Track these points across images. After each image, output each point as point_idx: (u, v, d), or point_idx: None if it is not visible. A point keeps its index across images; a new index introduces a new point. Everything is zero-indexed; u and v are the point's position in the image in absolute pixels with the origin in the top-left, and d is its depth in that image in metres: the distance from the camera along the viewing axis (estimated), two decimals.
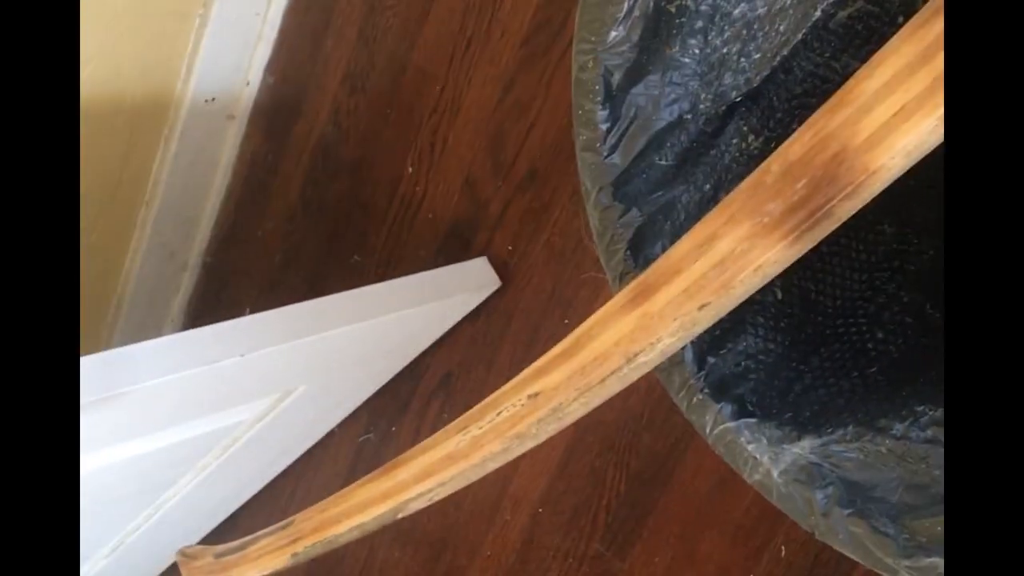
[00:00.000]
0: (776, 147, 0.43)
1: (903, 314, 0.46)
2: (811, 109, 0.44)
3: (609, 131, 0.41)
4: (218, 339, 0.70)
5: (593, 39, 0.40)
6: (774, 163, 0.36)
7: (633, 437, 0.88)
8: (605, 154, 0.41)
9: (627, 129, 0.41)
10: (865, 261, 0.47)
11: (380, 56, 0.99)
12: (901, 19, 0.47)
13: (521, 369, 0.85)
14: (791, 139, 0.36)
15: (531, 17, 0.89)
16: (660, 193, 0.42)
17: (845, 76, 0.46)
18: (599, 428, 0.90)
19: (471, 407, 0.44)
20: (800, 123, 0.44)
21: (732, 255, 0.37)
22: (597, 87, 0.41)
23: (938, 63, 0.33)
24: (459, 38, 0.93)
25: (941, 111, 0.33)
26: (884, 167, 0.34)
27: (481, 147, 0.94)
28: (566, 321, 0.91)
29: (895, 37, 0.34)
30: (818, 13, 0.43)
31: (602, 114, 0.41)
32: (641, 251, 0.42)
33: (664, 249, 0.42)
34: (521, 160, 0.91)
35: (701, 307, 0.37)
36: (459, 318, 0.97)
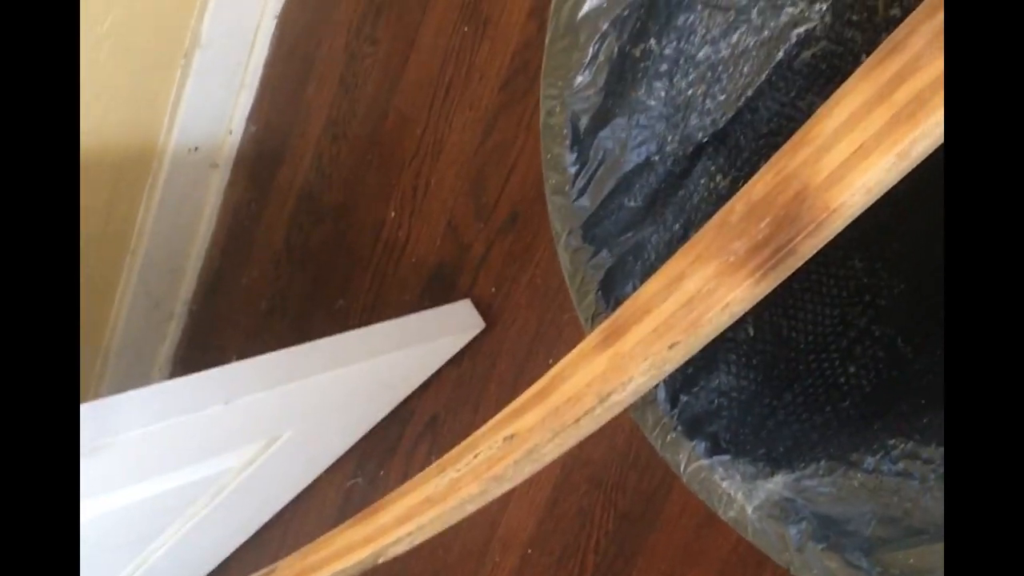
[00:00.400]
0: (744, 185, 0.44)
1: (874, 348, 0.46)
2: (778, 148, 0.45)
3: (578, 174, 0.42)
4: (202, 387, 0.70)
5: (559, 84, 0.41)
6: (738, 203, 0.37)
7: (620, 475, 0.88)
8: (574, 197, 0.42)
9: (595, 172, 0.42)
10: (836, 296, 0.47)
11: (361, 102, 1.00)
12: (864, 56, 0.47)
13: None
14: (754, 179, 0.36)
15: (508, 62, 0.90)
16: (630, 234, 0.43)
17: (810, 115, 0.46)
18: (586, 467, 0.90)
19: None
20: (765, 162, 0.45)
21: (700, 294, 0.37)
22: (564, 131, 0.41)
23: (895, 100, 0.33)
24: (439, 83, 0.94)
25: (899, 147, 0.34)
26: (845, 205, 0.34)
27: (463, 190, 0.94)
28: (551, 361, 0.91)
29: (852, 77, 0.34)
30: (781, 54, 0.43)
31: (570, 157, 0.42)
32: (612, 292, 0.42)
33: (635, 289, 0.43)
34: (503, 202, 0.92)
35: (671, 346, 0.38)
36: (444, 360, 0.97)
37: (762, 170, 0.36)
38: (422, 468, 0.94)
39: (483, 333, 0.95)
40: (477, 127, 0.93)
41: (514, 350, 0.94)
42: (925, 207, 0.49)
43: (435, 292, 0.98)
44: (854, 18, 0.46)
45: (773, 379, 0.44)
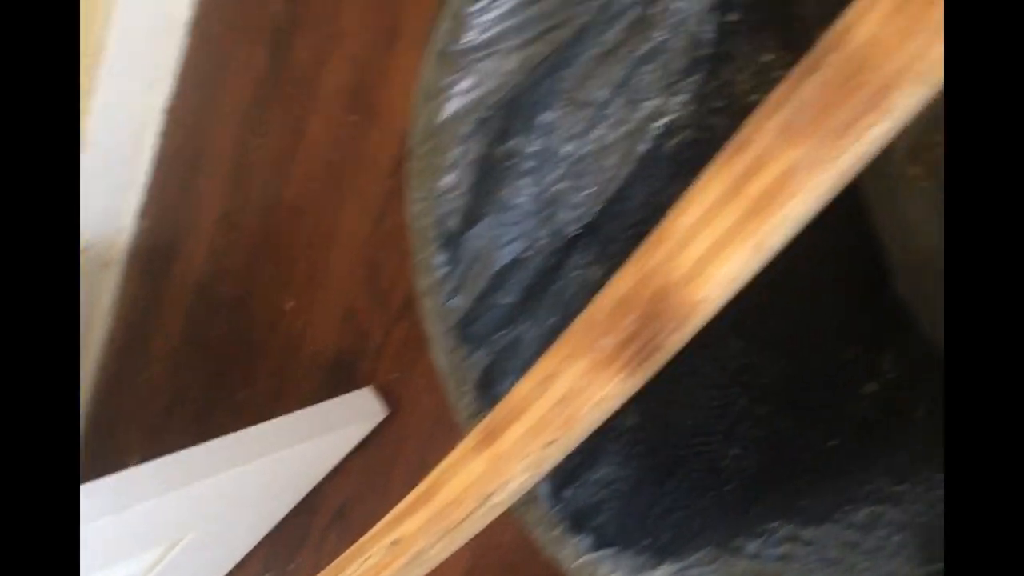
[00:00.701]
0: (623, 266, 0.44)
1: (755, 428, 0.47)
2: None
3: (448, 275, 0.42)
4: (92, 496, 0.69)
5: (425, 188, 0.41)
6: (604, 300, 0.37)
7: (530, 556, 0.87)
8: (446, 298, 0.42)
9: (467, 272, 0.42)
10: (717, 377, 0.48)
11: (253, 193, 1.00)
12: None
13: None
14: (618, 276, 0.37)
15: (397, 148, 0.90)
16: (505, 332, 0.43)
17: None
18: (496, 551, 0.89)
19: None
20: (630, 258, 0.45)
21: (572, 391, 0.37)
22: (433, 234, 0.42)
23: (746, 194, 0.34)
24: (329, 171, 0.94)
25: (753, 241, 0.34)
26: (705, 299, 0.35)
27: (358, 277, 0.94)
28: (454, 444, 0.91)
29: (704, 174, 0.35)
30: (645, 146, 0.44)
31: (440, 260, 0.42)
32: (490, 391, 0.42)
33: (513, 386, 0.43)
34: (398, 288, 0.92)
35: (548, 445, 0.38)
36: (350, 449, 0.97)
37: (625, 267, 0.37)
38: (333, 558, 0.93)
39: (387, 419, 0.95)
40: (369, 214, 0.93)
41: (419, 434, 0.94)
42: (800, 283, 0.50)
43: (336, 380, 0.97)
44: (716, 105, 0.47)
45: (657, 466, 0.45)
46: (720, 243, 0.34)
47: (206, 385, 1.04)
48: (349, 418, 0.93)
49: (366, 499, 0.97)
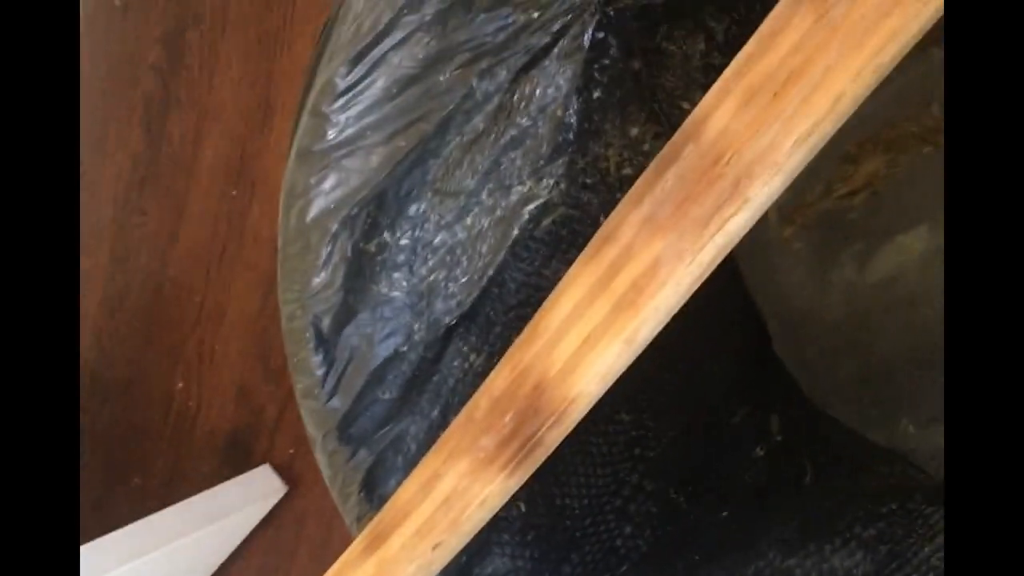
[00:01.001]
0: (498, 362, 0.44)
1: (648, 504, 0.47)
2: (528, 319, 0.45)
3: (326, 375, 0.41)
4: None
5: (297, 288, 0.41)
6: (481, 398, 0.36)
7: None
8: (325, 399, 0.41)
9: (344, 371, 0.41)
10: (607, 454, 0.48)
11: (136, 274, 0.98)
12: (602, 218, 0.48)
13: (320, 573, 0.82)
14: (494, 373, 0.36)
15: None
16: (387, 428, 0.42)
17: (557, 282, 0.47)
18: None
19: None
20: (518, 334, 0.45)
21: (455, 492, 0.37)
22: (307, 334, 0.41)
23: (614, 289, 0.34)
24: (213, 248, 0.93)
25: (624, 334, 0.34)
26: (581, 394, 0.35)
27: (250, 353, 0.93)
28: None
29: (572, 268, 0.35)
30: (518, 230, 0.44)
31: (316, 360, 0.41)
32: (375, 491, 0.42)
33: (398, 484, 0.42)
34: None
35: (435, 547, 0.37)
36: (251, 528, 0.95)
37: (500, 364, 0.36)
38: None
39: (286, 496, 0.93)
40: (257, 289, 0.91)
41: (320, 510, 0.92)
42: (685, 351, 0.50)
43: (233, 459, 0.95)
44: (588, 181, 0.47)
45: (550, 553, 0.44)
46: (592, 338, 0.34)
47: (100, 474, 1.01)
48: (248, 497, 0.91)
49: None
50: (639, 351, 0.35)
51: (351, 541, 0.43)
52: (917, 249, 0.48)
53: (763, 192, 0.32)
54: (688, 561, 0.44)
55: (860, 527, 0.41)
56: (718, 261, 0.34)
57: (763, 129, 0.31)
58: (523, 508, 0.45)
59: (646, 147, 0.49)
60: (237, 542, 0.94)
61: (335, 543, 0.91)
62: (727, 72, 0.32)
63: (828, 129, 0.31)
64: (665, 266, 0.33)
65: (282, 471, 0.92)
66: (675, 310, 0.34)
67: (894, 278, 0.49)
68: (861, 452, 0.46)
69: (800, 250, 0.53)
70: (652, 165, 0.34)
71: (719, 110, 0.32)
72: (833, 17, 0.31)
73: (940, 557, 0.39)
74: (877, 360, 0.48)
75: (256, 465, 0.93)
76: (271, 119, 0.88)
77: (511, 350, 0.36)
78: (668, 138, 0.50)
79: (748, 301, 0.53)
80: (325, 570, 0.89)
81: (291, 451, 0.92)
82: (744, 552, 0.42)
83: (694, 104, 0.51)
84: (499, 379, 0.36)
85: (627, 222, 0.34)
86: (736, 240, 0.33)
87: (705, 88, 0.51)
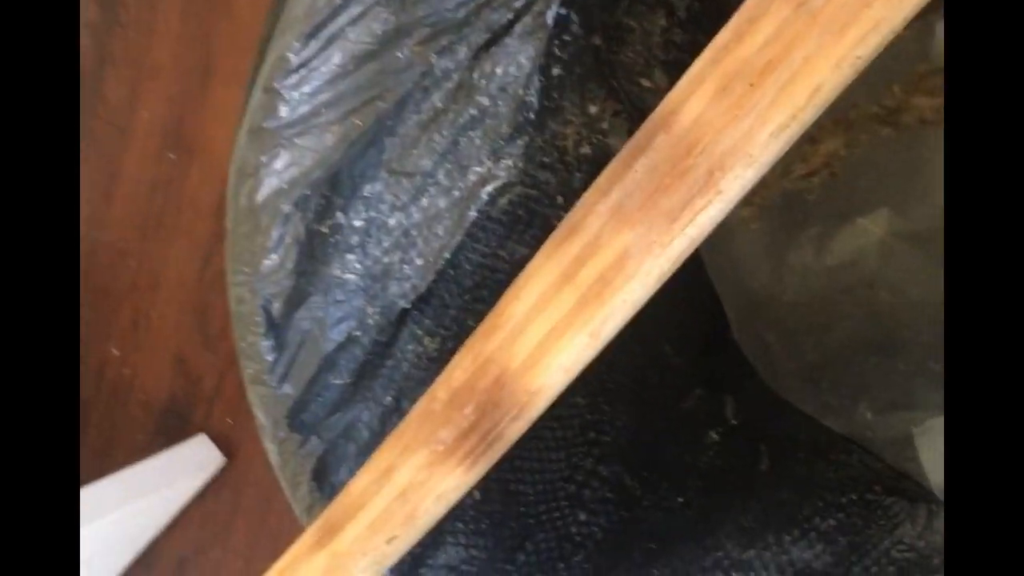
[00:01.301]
0: (454, 346, 0.43)
1: (603, 489, 0.46)
2: (484, 301, 0.44)
3: (277, 361, 0.40)
4: None
5: (247, 270, 0.39)
6: (440, 390, 0.35)
7: None
8: (276, 385, 0.40)
9: (295, 356, 0.40)
10: (561, 438, 0.47)
11: None
12: (559, 198, 0.47)
13: (258, 545, 0.81)
14: (453, 364, 0.35)
15: (220, 187, 0.87)
16: (339, 415, 0.41)
17: (514, 263, 0.46)
18: None
19: None
20: (475, 318, 0.44)
21: (412, 486, 0.36)
22: (258, 319, 0.39)
23: (580, 280, 0.33)
24: (149, 213, 0.90)
25: (590, 327, 0.33)
26: (545, 387, 0.34)
27: (187, 322, 0.91)
28: None
29: (536, 257, 0.34)
30: (475, 212, 0.43)
31: (266, 345, 0.40)
32: (327, 479, 0.40)
33: (351, 474, 0.41)
34: (230, 332, 0.88)
35: (389, 541, 0.36)
36: (187, 499, 0.93)
37: (459, 354, 0.35)
38: None
39: (225, 467, 0.91)
40: (195, 257, 0.89)
41: (259, 481, 0.91)
42: (641, 333, 0.49)
43: (170, 429, 0.93)
44: (545, 160, 0.46)
45: (504, 541, 0.43)
46: (556, 330, 0.33)
47: None
48: (185, 468, 0.90)
49: (207, 552, 0.93)
50: (605, 344, 0.34)
51: (290, 514, 0.42)
52: (877, 233, 0.48)
53: (736, 184, 0.31)
54: (644, 550, 0.43)
55: (819, 518, 0.41)
56: (688, 254, 0.33)
57: (738, 119, 0.31)
58: (477, 496, 0.44)
59: (605, 125, 0.48)
60: (173, 514, 0.92)
61: (273, 515, 0.90)
62: (701, 59, 0.31)
63: (806, 120, 0.31)
64: (633, 258, 0.32)
65: (220, 441, 0.91)
66: (642, 303, 0.33)
67: (853, 262, 0.48)
68: (818, 439, 0.46)
69: (758, 231, 0.52)
70: (621, 154, 0.32)
71: (692, 99, 0.31)
72: (813, 5, 0.30)
73: (900, 549, 0.39)
74: (835, 344, 0.48)
75: (193, 435, 0.91)
76: (211, 82, 0.86)
77: (471, 340, 0.35)
78: (627, 116, 0.49)
79: (706, 283, 0.52)
80: (263, 542, 0.87)
81: (229, 421, 0.90)
82: (701, 542, 0.42)
83: (654, 81, 0.50)
84: (459, 370, 0.35)
85: (594, 212, 0.33)
86: (707, 232, 0.32)
87: (666, 65, 0.50)
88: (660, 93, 0.49)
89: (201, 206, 0.88)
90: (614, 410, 0.49)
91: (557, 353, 0.33)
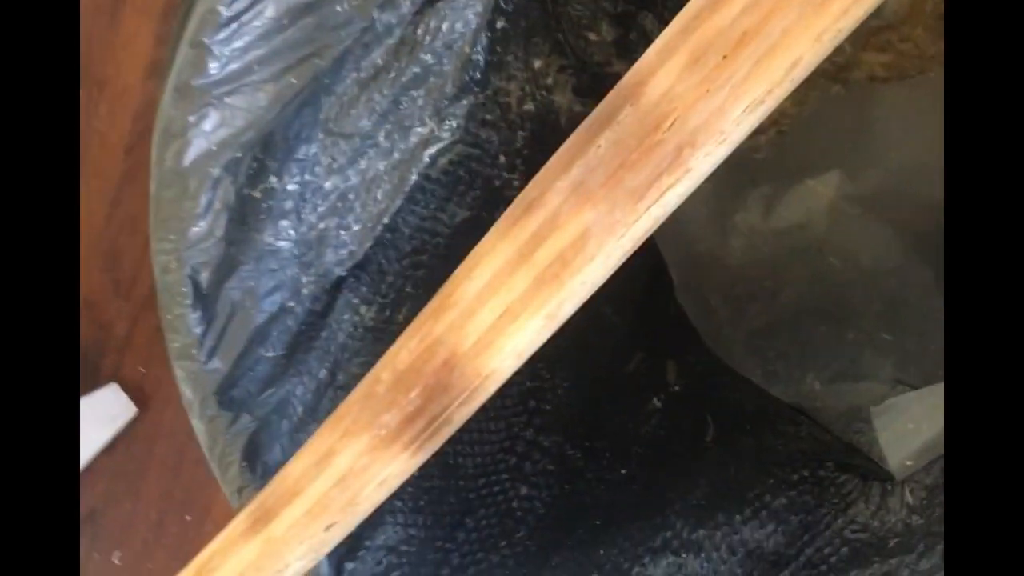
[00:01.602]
0: (391, 314, 0.41)
1: (544, 461, 0.44)
2: (423, 267, 0.42)
3: (205, 334, 0.37)
4: None
5: (173, 238, 0.36)
6: (384, 372, 0.33)
7: None
8: (204, 359, 0.37)
9: (225, 328, 0.38)
10: (500, 407, 0.45)
11: None
12: (502, 157, 0.45)
13: (172, 498, 0.78)
14: (398, 345, 0.33)
15: (131, 126, 0.83)
16: (272, 391, 0.39)
17: (454, 226, 0.44)
18: None
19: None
20: (413, 284, 0.42)
21: (352, 471, 0.34)
22: (185, 289, 0.37)
23: (536, 260, 0.31)
24: None
25: (546, 309, 0.31)
26: (496, 371, 0.32)
27: (96, 266, 0.87)
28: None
29: (490, 234, 0.32)
30: (415, 176, 0.40)
31: (194, 317, 0.37)
32: (259, 459, 0.38)
33: (284, 452, 0.39)
34: (142, 277, 0.85)
35: (328, 528, 0.34)
36: (97, 450, 0.89)
37: (405, 335, 0.33)
38: (86, 566, 0.86)
39: (137, 418, 0.88)
40: (104, 198, 0.85)
41: (172, 432, 0.88)
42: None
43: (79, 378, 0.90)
44: (487, 118, 0.44)
45: (444, 518, 0.42)
46: (511, 312, 0.31)
47: None
48: (95, 418, 0.87)
49: (118, 504, 0.90)
50: (560, 325, 0.32)
51: (205, 467, 0.40)
52: (826, 196, 0.47)
53: (707, 162, 0.29)
54: (589, 526, 0.42)
55: (770, 495, 0.40)
56: (651, 232, 0.31)
57: (710, 93, 0.29)
58: (415, 472, 0.42)
59: (549, 81, 0.46)
60: (83, 465, 0.89)
61: (187, 467, 0.87)
62: (672, 28, 0.29)
63: (781, 95, 0.29)
64: (594, 238, 0.30)
65: (131, 391, 0.87)
66: (601, 283, 0.32)
67: (802, 225, 0.47)
68: (766, 408, 0.45)
69: (704, 191, 0.50)
70: (584, 126, 0.30)
71: (662, 70, 0.29)
72: None
73: (854, 529, 0.38)
74: (782, 311, 0.47)
75: (103, 384, 0.88)
76: (120, 13, 0.81)
77: (418, 321, 0.33)
78: (573, 71, 0.47)
79: (649, 242, 0.50)
80: (177, 494, 0.84)
81: (141, 370, 0.87)
82: (650, 520, 0.41)
83: (600, 35, 0.48)
84: (405, 352, 0.33)
85: (554, 189, 0.31)
86: (672, 210, 0.31)
87: (612, 18, 0.48)
88: (607, 46, 0.46)
89: (109, 145, 0.84)
90: (554, 377, 0.47)
91: (510, 336, 0.31)
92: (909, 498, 0.38)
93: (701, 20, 0.29)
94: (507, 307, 0.31)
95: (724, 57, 0.28)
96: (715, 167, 0.30)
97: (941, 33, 0.48)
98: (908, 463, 0.38)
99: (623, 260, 0.31)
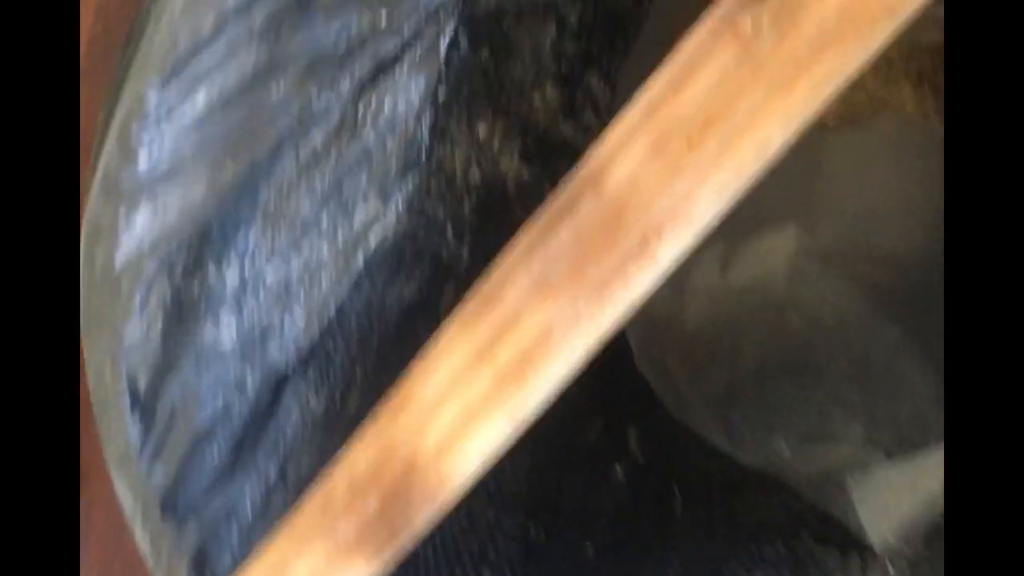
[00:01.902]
0: (342, 403, 0.39)
1: (507, 543, 0.43)
2: (373, 352, 0.40)
3: (145, 441, 0.35)
4: None
5: (106, 341, 0.34)
6: (339, 478, 0.31)
7: None
8: (145, 467, 0.35)
9: (166, 433, 0.35)
10: None
11: None
12: (450, 230, 0.44)
13: (112, 571, 0.75)
14: (354, 450, 0.31)
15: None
16: (219, 495, 0.36)
17: (403, 307, 0.42)
18: None
19: None
20: (363, 370, 0.40)
21: None
22: (121, 395, 0.35)
23: (497, 358, 0.29)
24: None
25: (508, 409, 0.30)
26: (460, 474, 0.30)
27: None
28: None
29: (447, 333, 0.30)
30: (362, 255, 0.39)
31: (132, 424, 0.35)
32: (207, 567, 0.36)
33: (235, 559, 0.37)
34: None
35: None
36: None
37: (361, 439, 0.31)
38: None
39: None
40: None
41: (110, 503, 0.85)
42: None
43: None
44: (432, 189, 0.42)
45: None
46: (471, 412, 0.30)
47: None
48: None
49: None
50: (526, 425, 0.30)
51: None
52: (784, 250, 0.46)
53: (674, 249, 0.28)
54: None
55: (746, 573, 0.39)
56: (618, 325, 0.29)
57: (675, 179, 0.27)
58: None
59: (495, 146, 0.44)
60: None
61: (127, 539, 0.84)
62: (632, 111, 0.28)
63: (751, 175, 0.27)
64: (557, 333, 0.29)
65: None
66: (567, 380, 0.30)
67: (761, 281, 0.46)
68: (732, 477, 0.43)
69: None
70: (544, 216, 0.29)
71: (623, 156, 0.27)
72: (758, 53, 0.26)
73: None
74: (744, 372, 0.45)
75: None
76: None
77: (374, 424, 0.31)
78: (519, 135, 0.45)
79: None
80: (117, 567, 0.81)
81: None
82: None
83: (544, 96, 0.46)
84: (361, 457, 0.31)
85: (513, 282, 0.29)
86: (640, 302, 0.29)
87: (556, 78, 0.47)
88: (551, 109, 0.45)
89: None
90: (513, 452, 0.45)
91: (472, 438, 0.30)
92: (891, 571, 0.37)
93: (663, 102, 0.27)
94: (468, 407, 0.30)
95: (688, 140, 0.27)
96: (685, 255, 0.28)
97: (890, 76, 0.47)
98: (890, 539, 0.36)
99: (589, 356, 0.29)
